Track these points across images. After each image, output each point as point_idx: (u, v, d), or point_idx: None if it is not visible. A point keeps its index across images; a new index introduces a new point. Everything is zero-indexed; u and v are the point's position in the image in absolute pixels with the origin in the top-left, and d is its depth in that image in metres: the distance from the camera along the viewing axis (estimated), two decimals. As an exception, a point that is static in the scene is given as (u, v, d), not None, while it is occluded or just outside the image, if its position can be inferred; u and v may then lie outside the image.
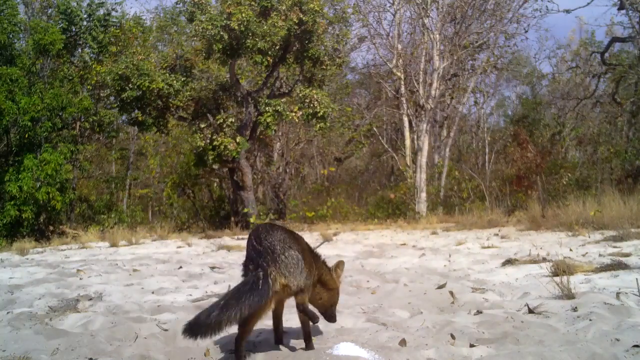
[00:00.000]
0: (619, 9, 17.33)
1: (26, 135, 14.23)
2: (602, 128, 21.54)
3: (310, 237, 10.54)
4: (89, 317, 4.23)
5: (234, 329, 3.06)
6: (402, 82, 19.15)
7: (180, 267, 7.34)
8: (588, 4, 17.70)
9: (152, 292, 5.46)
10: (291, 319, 3.69)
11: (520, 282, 5.31)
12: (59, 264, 8.06)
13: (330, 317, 3.41)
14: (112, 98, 16.74)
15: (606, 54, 19.32)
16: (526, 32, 19.57)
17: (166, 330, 3.82)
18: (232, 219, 15.19)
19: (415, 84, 18.77)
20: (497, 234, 10.55)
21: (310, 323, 3.22)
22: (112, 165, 21.51)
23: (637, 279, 4.35)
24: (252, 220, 13.91)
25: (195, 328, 2.78)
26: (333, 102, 15.13)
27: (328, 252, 7.19)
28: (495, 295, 4.79)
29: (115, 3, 17.35)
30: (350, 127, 20.25)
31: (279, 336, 3.44)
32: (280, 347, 3.37)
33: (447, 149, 19.41)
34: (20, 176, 13.54)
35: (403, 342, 3.32)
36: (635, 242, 7.42)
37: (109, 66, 14.37)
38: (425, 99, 18.16)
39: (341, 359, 3.03)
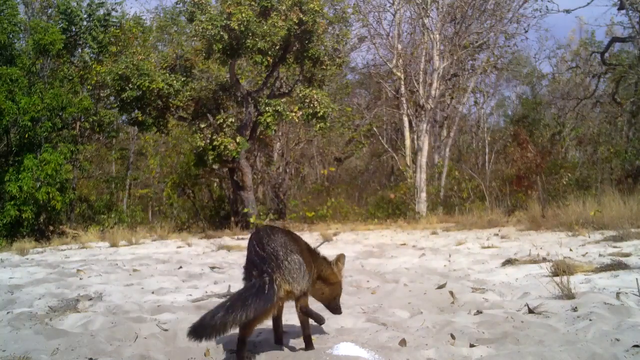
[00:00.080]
0: (619, 9, 17.33)
1: (26, 135, 14.23)
2: (602, 128, 21.54)
3: (310, 237, 10.54)
4: (89, 317, 4.23)
5: (234, 329, 3.06)
6: (402, 82, 19.15)
7: (180, 267, 7.34)
8: (588, 4, 17.71)
9: (152, 292, 5.46)
10: (291, 319, 3.69)
11: (520, 282, 5.31)
12: (59, 264, 8.06)
13: (335, 309, 3.44)
14: (112, 98, 16.74)
15: (606, 54, 19.32)
16: (526, 32, 19.59)
17: (166, 330, 3.82)
18: (232, 219, 15.19)
19: (415, 84, 18.77)
20: (497, 234, 10.55)
21: (311, 322, 3.22)
22: (112, 165, 21.51)
23: (637, 279, 4.35)
24: (252, 220, 13.91)
25: (200, 329, 2.76)
26: (333, 102, 15.13)
27: (328, 252, 7.16)
28: (495, 295, 4.79)
29: (115, 3, 17.38)
30: (350, 127, 20.25)
31: (279, 336, 3.44)
32: (281, 347, 3.37)
33: (447, 149, 19.41)
34: (20, 176, 13.55)
35: (403, 342, 3.32)
36: (635, 242, 7.42)
37: (109, 66, 14.37)
38: (425, 99, 18.16)
39: (341, 359, 3.03)
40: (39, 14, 17.86)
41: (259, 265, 2.96)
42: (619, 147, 19.27)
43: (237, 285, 5.27)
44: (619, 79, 19.25)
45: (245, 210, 14.29)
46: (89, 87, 17.15)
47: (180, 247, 10.77)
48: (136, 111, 14.60)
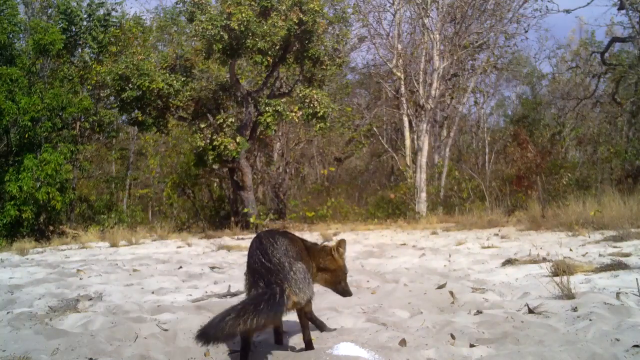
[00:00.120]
0: (619, 9, 17.34)
1: (26, 135, 14.24)
2: (602, 128, 21.55)
3: (310, 237, 10.51)
4: (89, 317, 4.23)
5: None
6: (402, 82, 19.15)
7: (180, 267, 7.34)
8: (588, 4, 17.73)
9: (152, 292, 5.46)
10: (291, 319, 3.69)
11: (520, 282, 5.30)
12: (59, 264, 8.06)
13: (343, 292, 3.45)
14: (112, 98, 16.75)
15: (606, 54, 19.32)
16: (526, 32, 19.62)
17: (166, 330, 3.82)
18: (232, 219, 15.19)
19: (415, 84, 18.77)
20: (497, 234, 10.54)
21: (310, 324, 3.23)
22: (112, 165, 21.52)
23: (637, 279, 4.35)
24: (252, 220, 13.93)
25: (209, 332, 2.71)
26: (333, 102, 15.13)
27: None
28: (495, 295, 4.79)
29: (115, 3, 17.40)
30: (350, 127, 20.26)
31: (279, 336, 3.45)
32: (280, 347, 3.37)
33: (447, 149, 19.41)
34: (20, 176, 13.55)
35: (403, 342, 3.32)
36: (635, 242, 7.42)
37: (109, 66, 14.37)
38: (425, 99, 18.15)
39: (341, 359, 3.03)
40: (39, 14, 17.87)
41: (266, 276, 2.94)
42: (619, 147, 19.28)
43: (237, 285, 5.30)
44: (619, 79, 19.25)
45: (245, 210, 14.29)
46: (89, 87, 17.15)
47: (180, 247, 10.77)
48: (136, 111, 14.61)
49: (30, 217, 13.72)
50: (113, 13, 17.17)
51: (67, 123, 15.99)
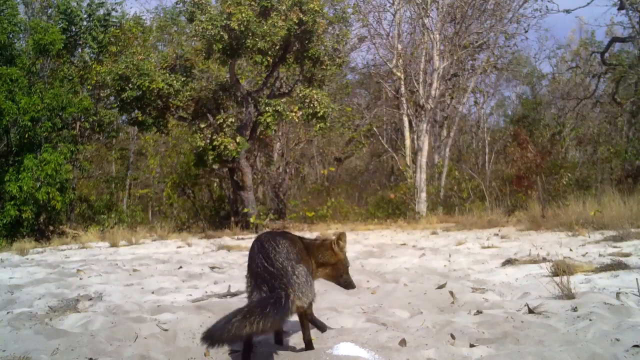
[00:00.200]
0: (619, 9, 17.34)
1: (26, 135, 14.24)
2: (602, 128, 21.55)
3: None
4: (89, 317, 4.23)
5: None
6: (402, 82, 19.15)
7: (180, 267, 7.34)
8: (588, 4, 17.73)
9: (152, 292, 5.46)
10: (291, 319, 3.68)
11: (520, 282, 5.30)
12: (59, 264, 8.06)
13: (346, 285, 3.45)
14: (112, 98, 16.75)
15: (606, 54, 19.32)
16: (526, 32, 19.62)
17: (166, 330, 3.81)
18: (232, 219, 15.19)
19: (415, 84, 18.77)
20: (497, 234, 10.55)
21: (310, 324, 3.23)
22: (112, 165, 21.52)
23: (637, 279, 4.35)
24: (252, 220, 13.93)
25: (214, 334, 2.70)
26: (333, 102, 15.14)
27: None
28: (495, 295, 4.79)
29: (115, 3, 17.39)
30: (350, 127, 20.26)
31: (279, 336, 3.45)
32: (281, 347, 3.37)
33: (447, 149, 19.41)
34: (20, 176, 13.55)
35: (403, 342, 3.32)
36: (635, 242, 7.42)
37: (109, 66, 14.37)
38: (425, 99, 18.16)
39: (341, 359, 3.03)
40: (39, 14, 17.86)
41: (269, 281, 2.94)
42: (619, 147, 19.28)
43: (237, 285, 5.30)
44: (619, 79, 19.25)
45: (245, 210, 14.29)
46: (89, 87, 17.15)
47: (180, 247, 10.77)
48: (136, 111, 14.61)
49: (30, 217, 13.72)
50: (113, 13, 17.18)
51: (67, 123, 15.99)
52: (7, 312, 4.42)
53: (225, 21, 12.68)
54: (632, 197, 10.75)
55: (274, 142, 18.67)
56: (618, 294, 4.23)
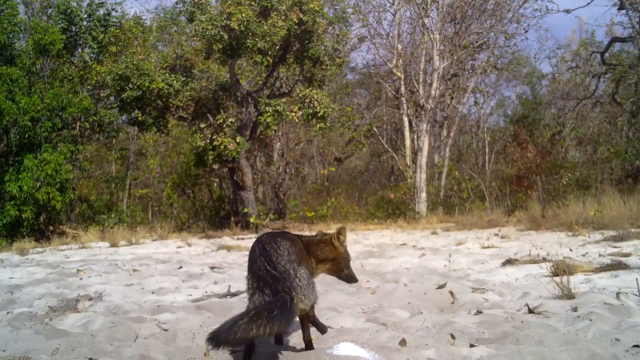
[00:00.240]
0: (619, 9, 17.34)
1: (26, 135, 14.23)
2: (602, 128, 21.55)
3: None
4: (89, 317, 4.23)
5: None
6: (402, 82, 19.15)
7: (180, 267, 7.34)
8: (588, 4, 17.73)
9: (152, 292, 5.46)
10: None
11: (520, 282, 5.31)
12: (59, 264, 8.06)
13: (348, 279, 3.43)
14: (112, 98, 16.74)
15: (606, 54, 19.32)
16: (526, 32, 19.63)
17: (166, 330, 3.82)
18: (232, 219, 15.19)
19: (415, 84, 18.77)
20: (497, 234, 10.55)
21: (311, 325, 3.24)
22: (112, 165, 21.51)
23: (637, 279, 4.35)
24: (252, 220, 13.92)
25: (220, 336, 2.70)
26: (333, 102, 15.14)
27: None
28: (495, 295, 4.79)
29: (115, 3, 17.38)
30: (350, 127, 20.26)
31: (279, 336, 3.44)
32: (281, 347, 3.37)
33: (447, 149, 19.41)
34: (20, 176, 13.55)
35: (403, 342, 3.32)
36: (635, 242, 7.42)
37: (109, 66, 14.37)
38: (425, 99, 18.16)
39: (341, 359, 3.03)
40: (39, 14, 17.86)
41: (272, 284, 2.94)
42: (619, 147, 19.28)
43: (237, 285, 5.30)
44: (619, 79, 19.25)
45: (245, 210, 14.29)
46: (89, 87, 17.15)
47: (180, 247, 10.77)
48: (136, 111, 14.61)
49: (30, 217, 13.72)
50: (113, 13, 17.18)
51: (67, 123, 15.99)
52: (7, 312, 4.42)
53: (225, 21, 12.68)
54: (632, 197, 10.75)
55: (274, 142, 18.68)
56: (618, 294, 4.23)
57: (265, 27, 12.93)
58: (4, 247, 12.35)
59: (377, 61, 20.63)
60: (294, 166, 19.77)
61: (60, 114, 15.02)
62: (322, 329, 3.24)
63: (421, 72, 18.73)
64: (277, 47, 13.74)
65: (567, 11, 18.30)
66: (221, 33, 12.71)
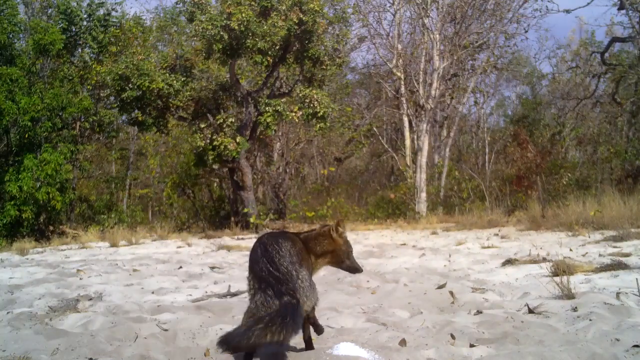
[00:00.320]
0: (619, 9, 17.35)
1: (26, 135, 14.23)
2: (602, 128, 21.55)
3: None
4: (89, 317, 4.23)
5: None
6: (402, 82, 19.15)
7: (180, 267, 7.34)
8: (588, 4, 17.73)
9: (152, 292, 5.46)
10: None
11: (520, 282, 5.31)
12: (59, 264, 8.06)
13: (351, 270, 3.41)
14: (112, 98, 16.74)
15: (606, 54, 19.33)
16: (526, 32, 19.64)
17: (166, 330, 3.82)
18: (232, 219, 15.19)
19: (415, 84, 18.78)
20: (497, 234, 10.55)
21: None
22: (112, 165, 21.51)
23: (637, 279, 4.35)
24: (252, 220, 13.92)
25: (234, 340, 2.68)
26: (333, 102, 15.14)
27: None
28: (495, 295, 4.79)
29: (115, 3, 17.38)
30: (350, 127, 20.26)
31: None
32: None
33: (447, 149, 19.41)
34: (20, 176, 13.55)
35: (403, 342, 3.32)
36: (635, 242, 7.42)
37: (109, 66, 14.37)
38: (425, 99, 18.16)
39: (341, 359, 3.03)
40: (39, 14, 17.86)
41: (275, 286, 2.93)
42: (619, 147, 19.28)
43: (237, 285, 5.29)
44: (619, 79, 19.25)
45: (245, 210, 14.29)
46: (89, 87, 17.15)
47: (180, 247, 10.77)
48: (136, 111, 14.61)
49: (30, 217, 13.72)
50: (113, 13, 17.18)
51: (67, 123, 15.99)
52: (7, 312, 4.42)
53: (225, 21, 12.68)
54: (632, 197, 10.75)
55: (274, 142, 18.68)
56: (618, 294, 4.23)
57: (265, 27, 12.93)
58: (4, 247, 12.35)
59: (377, 61, 20.65)
60: (294, 166, 19.77)
61: (60, 114, 15.02)
62: (320, 330, 3.24)
63: (421, 72, 18.74)
64: (277, 47, 13.74)
65: (567, 11, 18.33)
66: (221, 33, 12.71)
